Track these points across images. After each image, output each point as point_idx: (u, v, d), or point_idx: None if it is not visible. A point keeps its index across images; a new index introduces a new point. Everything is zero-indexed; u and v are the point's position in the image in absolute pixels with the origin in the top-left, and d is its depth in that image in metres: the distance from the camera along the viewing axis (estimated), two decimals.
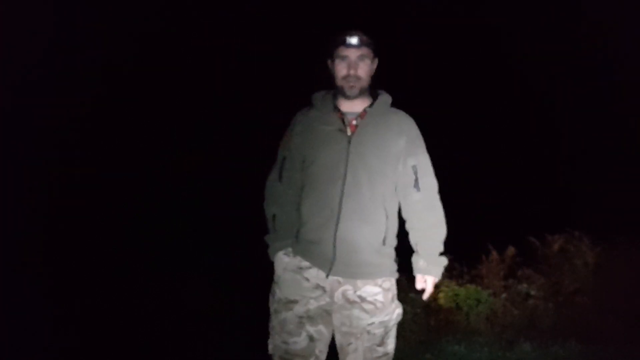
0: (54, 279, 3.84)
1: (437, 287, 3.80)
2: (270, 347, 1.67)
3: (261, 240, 1.76)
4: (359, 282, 1.62)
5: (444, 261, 1.73)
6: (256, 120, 5.20)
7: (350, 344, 1.62)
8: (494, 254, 3.91)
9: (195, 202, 5.16)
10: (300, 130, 1.72)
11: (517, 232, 3.99)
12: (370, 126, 1.68)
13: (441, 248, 1.72)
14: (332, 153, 1.65)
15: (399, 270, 1.72)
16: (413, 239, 1.73)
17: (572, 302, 3.59)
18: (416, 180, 1.67)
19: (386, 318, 1.63)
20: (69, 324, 3.33)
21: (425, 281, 1.73)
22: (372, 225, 1.63)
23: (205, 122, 5.69)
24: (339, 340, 1.65)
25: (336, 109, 1.71)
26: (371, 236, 1.63)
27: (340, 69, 1.68)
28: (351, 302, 1.61)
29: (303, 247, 1.66)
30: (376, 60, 1.74)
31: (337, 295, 1.62)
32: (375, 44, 1.71)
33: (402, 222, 1.73)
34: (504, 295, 3.73)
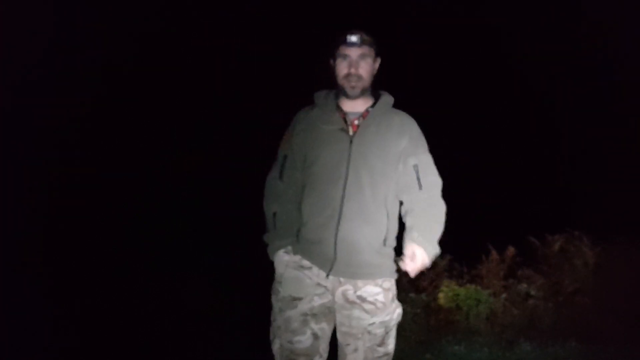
0: (54, 279, 3.84)
1: (436, 287, 3.85)
2: (275, 347, 1.65)
3: (261, 241, 1.76)
4: (360, 282, 1.61)
5: (437, 248, 1.65)
6: (256, 120, 5.20)
7: (348, 344, 1.62)
8: (494, 254, 3.91)
9: (195, 202, 5.16)
10: (302, 129, 1.72)
11: (517, 232, 3.99)
12: (372, 126, 1.67)
13: (438, 235, 1.66)
14: (334, 153, 1.64)
15: (397, 271, 1.72)
16: (409, 223, 1.66)
17: (572, 302, 3.59)
18: (418, 179, 1.66)
19: (387, 318, 1.63)
20: (69, 324, 3.33)
21: (414, 253, 1.60)
22: (373, 226, 1.63)
23: (205, 122, 5.69)
24: (338, 339, 1.65)
25: (338, 108, 1.71)
26: (372, 237, 1.62)
27: (342, 68, 1.67)
28: (351, 303, 1.61)
29: (303, 246, 1.65)
30: (378, 60, 1.73)
31: (338, 294, 1.62)
32: (377, 44, 1.71)
33: (401, 222, 1.72)
34: (504, 295, 3.74)
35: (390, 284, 1.67)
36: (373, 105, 1.71)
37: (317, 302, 1.62)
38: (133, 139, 5.34)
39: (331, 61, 1.72)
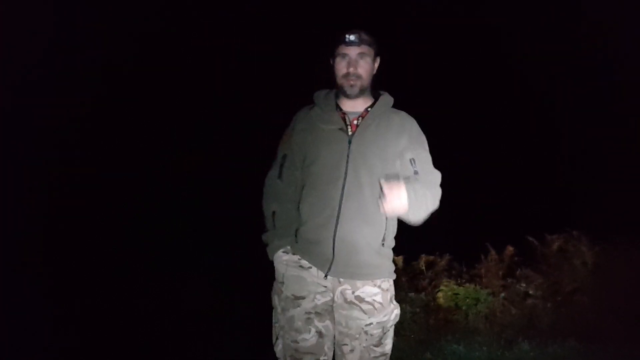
0: (54, 279, 3.84)
1: (435, 286, 3.86)
2: (277, 349, 1.66)
3: (261, 240, 1.75)
4: (358, 283, 1.62)
5: (423, 206, 1.56)
6: (256, 120, 5.20)
7: (345, 344, 1.62)
8: (493, 254, 3.92)
9: (195, 202, 5.17)
10: (302, 129, 1.71)
11: (516, 232, 4.00)
12: (372, 126, 1.67)
13: (426, 201, 1.57)
14: (333, 153, 1.64)
15: (396, 271, 1.72)
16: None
17: (571, 302, 3.59)
18: (415, 171, 1.65)
19: (384, 319, 1.63)
20: (69, 324, 3.33)
21: (394, 186, 1.49)
22: (372, 226, 1.62)
23: (205, 122, 5.69)
24: (336, 338, 1.65)
25: (338, 108, 1.70)
26: (371, 237, 1.62)
27: (340, 68, 1.67)
28: (349, 303, 1.61)
29: (302, 246, 1.65)
30: (378, 60, 1.72)
31: (337, 294, 1.63)
32: (377, 43, 1.70)
33: (400, 222, 1.71)
34: (502, 294, 3.74)
35: (388, 284, 1.67)
36: (372, 105, 1.71)
37: (320, 300, 1.62)
38: (133, 139, 5.34)
39: (330, 61, 1.72)
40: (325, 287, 1.63)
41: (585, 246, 3.76)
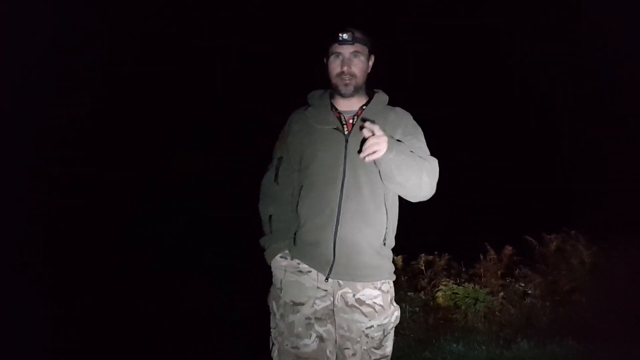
0: (54, 279, 3.85)
1: (435, 286, 3.86)
2: (274, 355, 1.61)
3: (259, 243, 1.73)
4: (359, 285, 1.59)
5: (407, 159, 1.50)
6: (256, 120, 5.21)
7: (347, 348, 1.59)
8: (492, 253, 3.92)
9: (195, 202, 5.18)
10: (297, 130, 1.68)
11: (515, 232, 4.00)
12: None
13: (412, 160, 1.51)
14: (330, 153, 1.61)
15: (395, 271, 1.70)
16: None
17: (569, 301, 3.59)
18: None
19: (385, 321, 1.61)
20: (69, 324, 3.34)
21: (375, 131, 1.44)
22: (373, 226, 1.59)
23: (205, 122, 5.70)
24: (337, 341, 1.62)
25: (333, 108, 1.68)
26: (372, 237, 1.59)
27: (334, 67, 1.64)
28: (350, 306, 1.59)
29: (301, 249, 1.62)
30: (372, 58, 1.69)
31: (337, 297, 1.60)
32: (371, 41, 1.67)
33: (399, 222, 1.69)
34: (501, 294, 3.74)
35: (389, 286, 1.64)
36: (367, 103, 1.68)
37: (320, 305, 1.59)
38: (133, 139, 5.35)
39: (324, 60, 1.69)
40: (326, 290, 1.59)
41: (583, 246, 3.76)
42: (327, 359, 1.59)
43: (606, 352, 2.89)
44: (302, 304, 1.58)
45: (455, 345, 3.16)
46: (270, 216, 1.68)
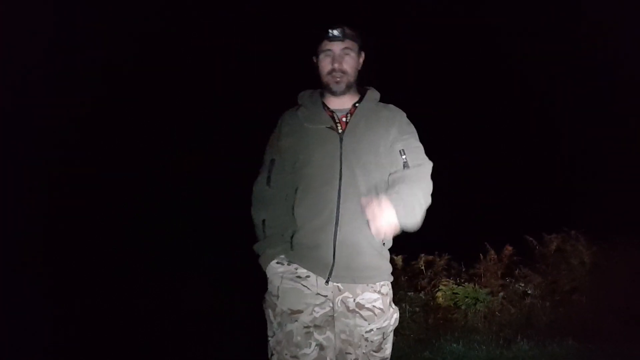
0: (54, 279, 3.85)
1: (435, 286, 3.87)
2: None
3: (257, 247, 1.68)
4: (358, 289, 1.57)
5: (413, 213, 1.46)
6: (256, 120, 5.20)
7: (349, 353, 1.57)
8: (492, 253, 3.93)
9: (195, 202, 5.18)
10: (289, 131, 1.65)
11: (515, 232, 4.01)
12: (361, 122, 1.62)
13: (417, 209, 1.48)
14: (325, 153, 1.58)
15: (396, 271, 1.70)
16: (391, 187, 1.53)
17: (569, 301, 3.60)
18: (405, 162, 1.59)
19: (384, 324, 1.58)
20: (69, 324, 3.34)
21: (382, 205, 1.40)
22: None
23: (205, 122, 5.70)
24: (338, 346, 1.58)
25: (325, 106, 1.65)
26: (373, 237, 1.54)
27: (325, 64, 1.61)
28: (351, 311, 1.56)
29: (299, 253, 1.58)
30: (363, 54, 1.66)
31: (337, 302, 1.57)
32: (361, 37, 1.64)
33: None
34: (501, 294, 3.75)
35: (388, 288, 1.62)
36: (360, 101, 1.66)
37: (319, 312, 1.54)
38: (133, 139, 5.35)
39: (314, 59, 1.66)
40: (325, 296, 1.55)
41: (584, 246, 3.77)
42: None
43: (606, 352, 2.89)
44: (301, 312, 1.54)
45: (455, 345, 3.16)
46: (264, 220, 1.63)
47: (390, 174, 1.60)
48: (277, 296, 1.57)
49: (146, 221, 4.79)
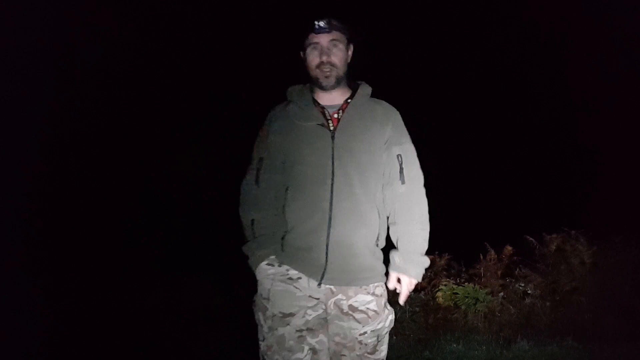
0: (54, 279, 3.85)
1: (435, 285, 3.87)
2: None
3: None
4: (351, 291, 1.52)
5: (425, 261, 1.58)
6: (257, 120, 5.20)
7: (343, 355, 1.53)
8: (492, 253, 3.93)
9: (196, 202, 5.18)
10: (278, 128, 1.57)
11: (515, 232, 4.01)
12: (354, 119, 1.56)
13: (424, 247, 1.58)
14: (317, 151, 1.52)
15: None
16: (394, 235, 1.59)
17: (569, 301, 3.60)
18: (401, 170, 1.55)
19: (379, 326, 1.54)
20: (69, 324, 3.34)
21: (399, 281, 1.55)
22: (367, 227, 1.53)
23: (205, 122, 5.70)
24: (332, 348, 1.54)
25: (315, 102, 1.58)
26: (367, 238, 1.53)
27: (313, 58, 1.54)
28: (345, 313, 1.52)
29: (290, 254, 1.52)
30: (352, 47, 1.59)
31: (330, 305, 1.52)
32: (349, 29, 1.58)
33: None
34: (501, 294, 3.75)
35: (382, 289, 1.57)
36: (352, 97, 1.59)
37: (311, 315, 1.50)
38: (133, 139, 5.35)
39: (301, 53, 1.58)
40: (317, 299, 1.50)
41: (583, 246, 3.77)
42: None
43: (606, 352, 2.90)
44: (293, 315, 1.49)
45: (455, 345, 3.16)
46: (253, 221, 1.56)
47: (386, 183, 1.57)
48: (268, 299, 1.51)
49: (146, 221, 4.79)
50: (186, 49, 5.75)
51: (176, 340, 3.36)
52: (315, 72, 1.55)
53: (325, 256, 1.49)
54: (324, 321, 1.53)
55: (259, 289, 1.55)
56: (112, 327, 3.37)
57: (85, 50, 4.90)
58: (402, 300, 1.59)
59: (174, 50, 5.72)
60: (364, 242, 1.53)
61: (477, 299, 3.65)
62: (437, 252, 4.03)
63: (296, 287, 1.50)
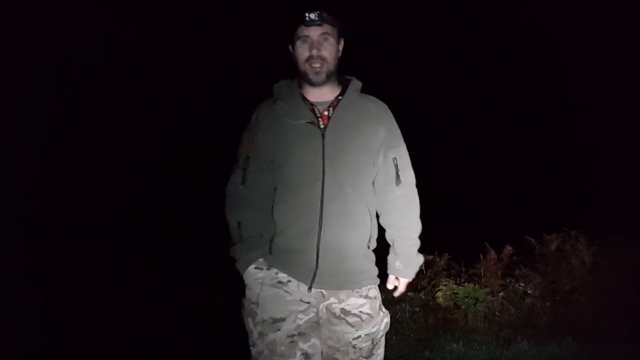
0: (54, 279, 3.85)
1: (435, 285, 3.87)
2: None
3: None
4: (342, 294, 1.47)
5: (420, 260, 1.61)
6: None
7: (337, 358, 1.48)
8: (492, 253, 3.93)
9: (196, 202, 5.18)
10: (266, 126, 1.51)
11: (515, 232, 4.01)
12: (345, 117, 1.50)
13: (418, 246, 1.59)
14: (306, 150, 1.45)
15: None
16: (390, 237, 1.59)
17: (569, 301, 3.60)
18: (397, 174, 1.52)
19: (374, 329, 1.49)
20: (69, 324, 3.34)
21: (399, 281, 1.60)
22: (359, 229, 1.48)
23: (205, 121, 5.70)
24: (325, 352, 1.49)
25: (304, 99, 1.51)
26: (358, 240, 1.48)
27: (302, 52, 1.47)
28: (337, 317, 1.47)
29: (280, 258, 1.47)
30: (342, 41, 1.53)
31: (322, 309, 1.47)
32: (340, 23, 1.51)
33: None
34: (501, 294, 3.76)
35: (376, 291, 1.53)
36: (342, 93, 1.53)
37: (302, 319, 1.44)
38: (133, 139, 5.35)
39: (289, 47, 1.51)
40: (308, 302, 1.45)
41: (583, 245, 3.77)
42: None
43: (606, 352, 2.90)
44: (283, 320, 1.43)
45: (455, 345, 3.16)
46: (239, 223, 1.50)
47: (381, 186, 1.54)
48: (257, 304, 1.46)
49: (146, 221, 4.80)
50: (186, 49, 5.74)
51: (176, 340, 3.36)
52: (304, 67, 1.48)
53: (315, 259, 1.44)
54: (315, 325, 1.48)
55: (247, 293, 1.50)
56: (112, 327, 3.37)
57: (85, 50, 4.90)
58: (397, 294, 1.64)
59: (174, 50, 5.71)
60: (355, 244, 1.48)
61: (477, 299, 3.65)
62: (437, 252, 4.03)
63: (286, 291, 1.45)
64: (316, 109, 1.50)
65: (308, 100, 1.52)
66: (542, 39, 5.84)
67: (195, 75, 5.80)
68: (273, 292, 1.46)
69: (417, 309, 3.65)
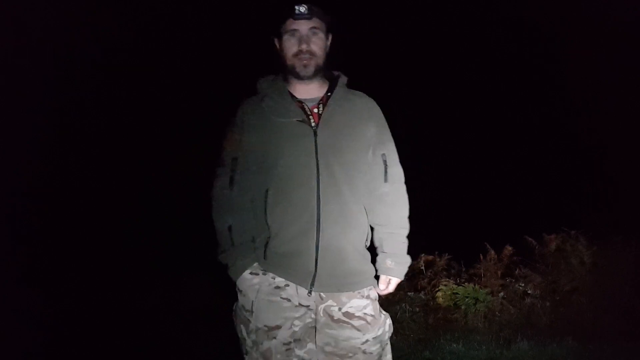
0: (54, 279, 3.85)
1: (435, 285, 3.87)
2: None
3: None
4: (344, 297, 1.43)
5: (409, 260, 1.57)
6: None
7: None
8: (492, 253, 3.93)
9: (195, 202, 5.17)
10: (253, 125, 1.45)
11: (515, 232, 4.01)
12: (336, 114, 1.46)
13: (407, 244, 1.57)
14: (299, 149, 1.41)
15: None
16: (378, 236, 1.54)
17: (569, 301, 3.61)
18: (385, 170, 1.50)
19: (380, 332, 1.45)
20: (69, 324, 3.34)
21: (390, 281, 1.54)
22: (356, 228, 1.46)
23: (205, 121, 5.69)
24: (321, 358, 1.44)
25: (292, 96, 1.47)
26: (357, 240, 1.46)
27: (290, 46, 1.44)
28: (336, 321, 1.42)
29: (275, 262, 1.42)
30: (330, 37, 1.50)
31: (319, 312, 1.43)
32: (329, 18, 1.48)
33: None
34: (501, 294, 3.76)
35: (375, 292, 1.51)
36: (331, 89, 1.49)
37: (298, 325, 1.40)
38: (133, 139, 5.35)
39: (276, 41, 1.48)
40: (306, 307, 1.42)
41: (583, 245, 3.78)
42: None
43: (606, 352, 2.89)
44: (279, 328, 1.39)
45: (455, 345, 3.16)
46: (230, 227, 1.44)
47: (370, 183, 1.52)
48: (251, 312, 1.42)
49: (146, 221, 4.79)
50: (186, 49, 5.74)
51: (176, 340, 3.36)
52: (292, 61, 1.45)
53: (314, 262, 1.40)
54: (311, 329, 1.44)
55: (241, 299, 1.46)
56: (112, 327, 3.37)
57: (85, 50, 4.89)
58: (386, 292, 1.58)
59: (173, 50, 5.71)
60: (354, 244, 1.45)
61: (477, 299, 3.65)
62: (437, 252, 4.03)
63: (283, 298, 1.41)
64: (306, 107, 1.46)
65: (296, 97, 1.48)
66: (542, 39, 5.83)
67: (195, 75, 5.80)
68: (269, 299, 1.41)
69: (417, 309, 3.65)
